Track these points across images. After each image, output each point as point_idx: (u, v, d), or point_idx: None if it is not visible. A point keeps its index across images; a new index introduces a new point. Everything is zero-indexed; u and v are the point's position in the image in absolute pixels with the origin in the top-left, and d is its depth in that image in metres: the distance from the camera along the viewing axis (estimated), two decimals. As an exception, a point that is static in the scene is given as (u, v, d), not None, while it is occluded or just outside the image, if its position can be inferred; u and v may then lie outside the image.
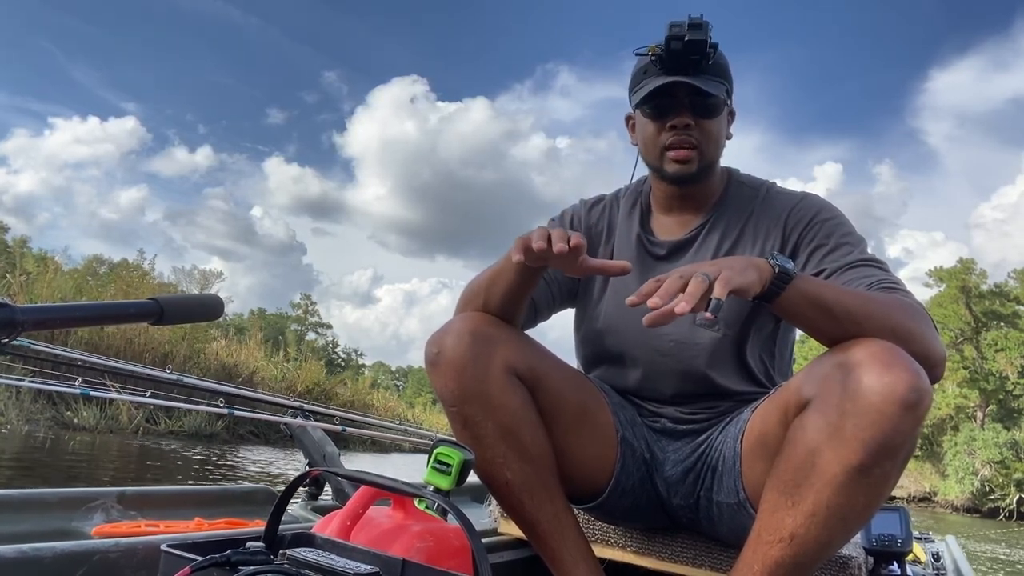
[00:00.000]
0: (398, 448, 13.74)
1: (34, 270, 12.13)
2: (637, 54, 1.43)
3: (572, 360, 1.61)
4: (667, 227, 1.53)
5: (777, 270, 1.14)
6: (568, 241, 1.16)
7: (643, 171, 1.57)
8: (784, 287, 1.14)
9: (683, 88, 1.39)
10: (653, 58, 1.39)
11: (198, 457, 8.18)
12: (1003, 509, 25.68)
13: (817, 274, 1.33)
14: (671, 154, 1.42)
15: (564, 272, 1.33)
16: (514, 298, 1.36)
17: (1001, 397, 31.05)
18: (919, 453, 29.95)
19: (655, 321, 1.02)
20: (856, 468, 1.07)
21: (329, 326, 49.38)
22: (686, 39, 1.34)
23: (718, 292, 1.03)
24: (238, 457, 8.90)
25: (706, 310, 1.03)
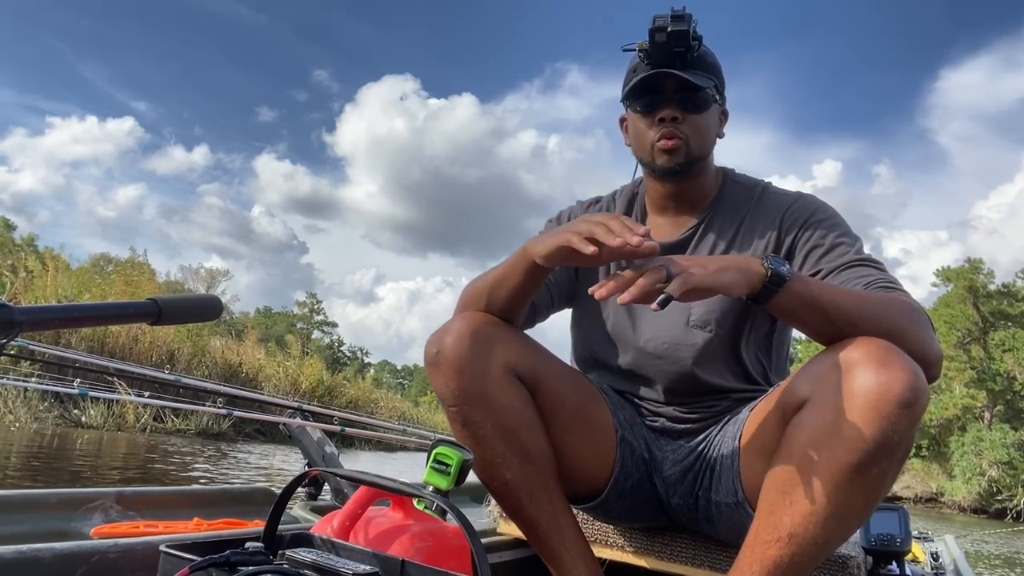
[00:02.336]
0: (404, 447, 13.75)
1: (37, 269, 12.15)
2: (625, 50, 1.44)
3: (568, 359, 1.61)
4: (662, 228, 1.52)
5: (770, 273, 1.14)
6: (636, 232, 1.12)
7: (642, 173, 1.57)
8: (778, 289, 1.14)
9: (670, 82, 1.39)
10: (640, 53, 1.39)
11: (203, 456, 8.20)
12: (1011, 510, 25.57)
13: (814, 274, 1.33)
14: (659, 144, 1.42)
15: (586, 265, 1.30)
16: (519, 299, 1.36)
17: (1008, 397, 30.94)
18: (926, 453, 29.88)
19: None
20: (854, 467, 1.07)
21: (335, 325, 49.54)
22: (669, 30, 1.34)
23: (671, 288, 1.06)
24: (243, 456, 8.92)
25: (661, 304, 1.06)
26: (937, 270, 34.35)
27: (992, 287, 32.81)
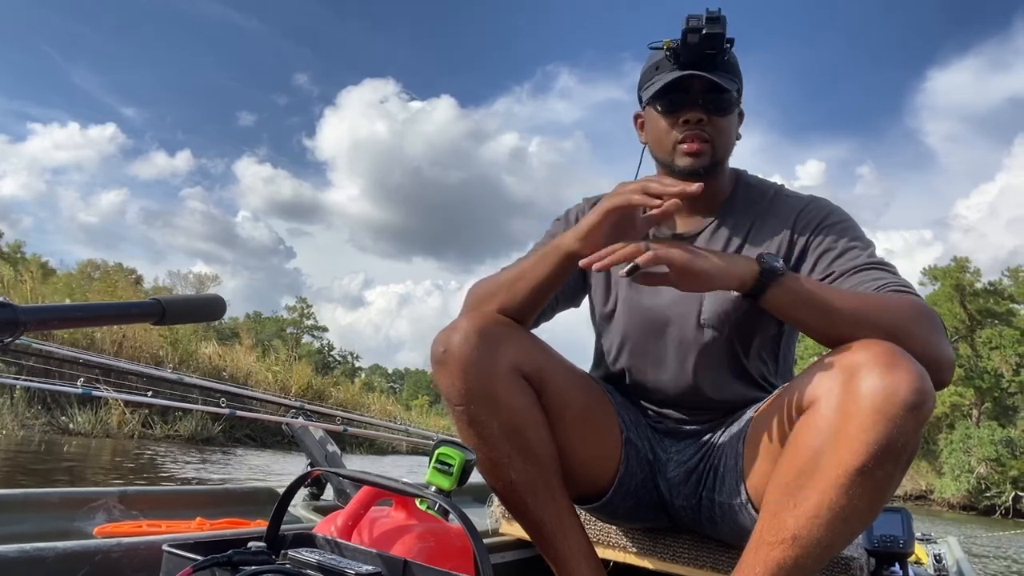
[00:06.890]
0: (395, 450, 13.72)
1: (20, 275, 12.04)
2: (652, 48, 1.42)
3: (578, 361, 1.61)
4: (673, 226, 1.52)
5: (763, 267, 1.16)
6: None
7: (647, 170, 1.56)
8: (770, 284, 1.16)
9: (698, 83, 1.37)
10: (668, 52, 1.37)
11: (195, 463, 8.14)
12: (999, 507, 25.73)
13: (825, 277, 1.33)
14: (684, 147, 1.40)
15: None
16: (541, 294, 1.36)
17: (996, 395, 31.19)
18: (915, 451, 29.96)
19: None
20: (859, 470, 1.06)
21: (325, 329, 49.32)
22: (704, 32, 1.32)
23: (642, 259, 1.12)
24: (239, 462, 8.86)
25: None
26: (924, 269, 34.61)
27: (979, 285, 33.05)
